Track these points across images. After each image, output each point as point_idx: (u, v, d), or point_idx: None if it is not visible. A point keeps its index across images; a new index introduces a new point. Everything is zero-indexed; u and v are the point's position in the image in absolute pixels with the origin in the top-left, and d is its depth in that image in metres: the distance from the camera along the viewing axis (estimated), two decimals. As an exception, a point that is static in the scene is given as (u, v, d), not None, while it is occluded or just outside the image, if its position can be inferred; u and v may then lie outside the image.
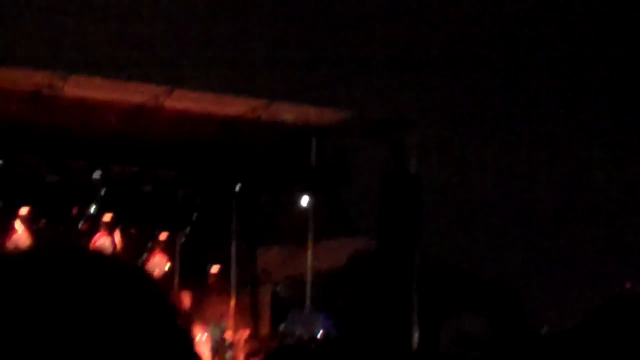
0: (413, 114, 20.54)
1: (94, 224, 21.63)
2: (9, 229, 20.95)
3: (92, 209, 21.39)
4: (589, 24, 26.81)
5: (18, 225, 21.01)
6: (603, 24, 26.83)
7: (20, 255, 1.44)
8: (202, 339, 21.63)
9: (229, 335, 21.71)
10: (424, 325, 18.75)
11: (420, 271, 19.02)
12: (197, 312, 21.89)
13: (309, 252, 21.18)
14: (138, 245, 22.39)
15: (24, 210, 20.74)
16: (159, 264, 22.24)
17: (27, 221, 21.10)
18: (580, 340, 3.37)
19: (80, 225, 21.75)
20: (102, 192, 21.11)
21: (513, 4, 27.07)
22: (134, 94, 19.41)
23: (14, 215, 20.94)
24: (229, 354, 21.33)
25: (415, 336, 18.60)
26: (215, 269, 22.50)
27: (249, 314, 22.66)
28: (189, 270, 22.48)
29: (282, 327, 21.22)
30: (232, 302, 22.39)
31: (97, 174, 20.81)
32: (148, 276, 1.47)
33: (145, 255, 22.28)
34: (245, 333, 22.03)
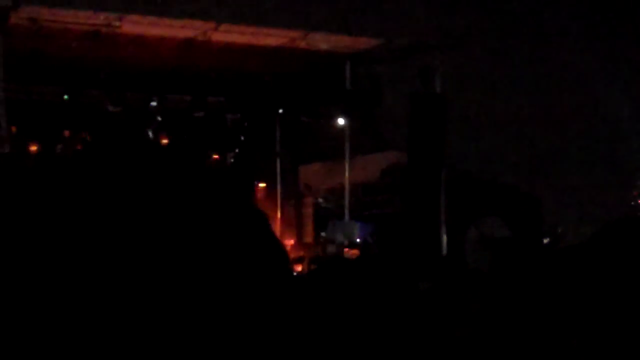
0: (438, 40, 20.41)
1: (153, 148, 21.86)
2: (77, 155, 21.23)
3: (150, 134, 21.56)
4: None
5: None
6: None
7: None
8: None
9: (277, 243, 21.98)
10: (451, 230, 18.85)
11: (446, 182, 19.08)
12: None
13: (346, 167, 21.27)
14: (192, 166, 22.61)
15: (89, 138, 20.95)
16: (212, 182, 22.51)
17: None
18: (586, 256, 3.47)
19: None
20: (159, 119, 21.25)
21: None
22: (184, 29, 19.41)
23: (81, 142, 21.17)
24: (277, 261, 21.59)
25: (444, 239, 18.72)
26: (262, 185, 22.69)
27: (294, 224, 22.84)
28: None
29: (323, 234, 21.38)
30: (278, 214, 22.58)
31: (153, 103, 20.95)
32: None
33: (199, 174, 22.53)
34: (291, 241, 22.24)
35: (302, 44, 20.22)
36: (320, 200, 22.42)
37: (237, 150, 22.70)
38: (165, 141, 21.56)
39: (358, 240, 20.27)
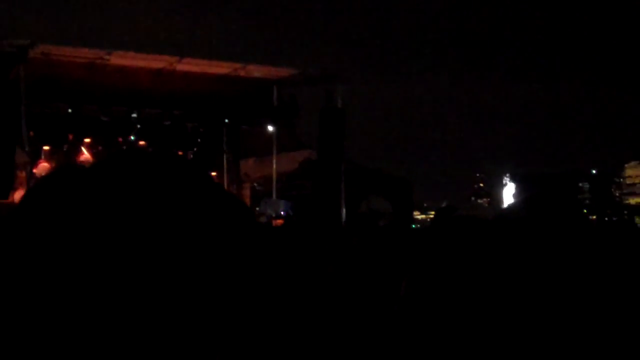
0: (338, 70, 20.56)
1: (133, 148, 21.73)
2: (78, 153, 21.04)
3: (132, 138, 21.45)
4: None
5: (84, 150, 21.09)
6: None
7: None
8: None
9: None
10: (348, 205, 19.00)
11: (345, 171, 19.24)
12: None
13: (274, 161, 21.36)
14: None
15: (87, 140, 20.81)
16: (177, 172, 22.43)
17: (89, 147, 21.17)
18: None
19: (123, 148, 21.80)
20: (138, 126, 21.16)
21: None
22: (156, 61, 19.41)
23: (81, 143, 21.01)
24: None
25: (343, 212, 18.87)
26: (213, 173, 22.68)
27: (236, 202, 22.88)
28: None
29: (257, 210, 21.44)
30: (225, 195, 22.58)
31: (134, 114, 20.85)
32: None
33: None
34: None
35: (242, 73, 20.30)
36: (255, 184, 22.48)
37: (195, 149, 22.69)
38: (142, 142, 21.51)
39: (282, 213, 20.36)
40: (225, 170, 22.74)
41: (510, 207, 2.48)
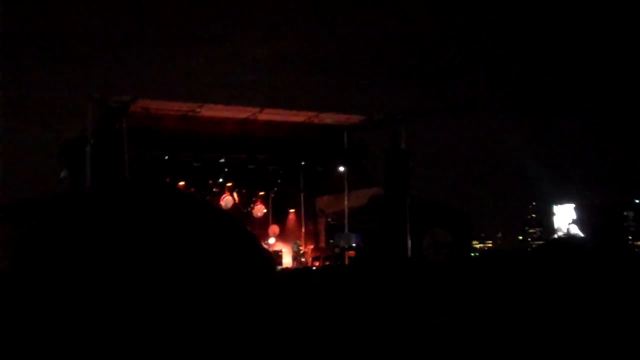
0: (402, 115, 20.49)
1: (222, 189, 21.93)
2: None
3: (220, 180, 21.66)
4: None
5: (179, 191, 21.35)
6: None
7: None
8: (286, 251, 21.85)
9: (302, 247, 21.97)
10: (413, 237, 18.82)
11: (409, 205, 19.09)
12: (283, 236, 22.08)
13: (346, 197, 21.32)
14: (247, 200, 22.66)
15: (181, 183, 21.07)
16: (260, 210, 22.52)
17: (184, 189, 21.40)
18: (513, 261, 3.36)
19: (213, 190, 22.03)
20: (225, 170, 21.36)
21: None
22: (240, 112, 19.62)
23: (176, 186, 21.28)
24: (303, 259, 21.59)
25: (409, 243, 18.69)
26: (292, 210, 22.78)
27: (312, 235, 22.87)
28: (277, 212, 22.74)
29: (331, 242, 21.38)
30: (303, 229, 22.61)
31: (222, 160, 21.05)
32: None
33: (251, 205, 22.57)
34: (311, 246, 22.24)
35: (316, 120, 20.37)
36: (329, 219, 22.42)
37: (275, 189, 22.81)
38: (229, 184, 21.72)
39: (354, 244, 20.25)
40: (302, 207, 22.81)
41: (584, 238, 2.39)
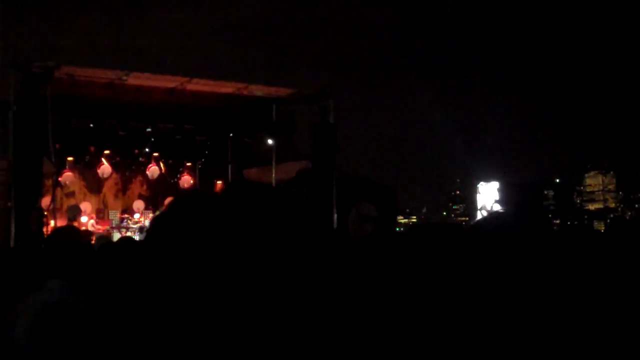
0: (331, 89, 20.60)
1: (148, 159, 21.73)
2: (99, 164, 21.03)
3: (146, 149, 21.44)
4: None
5: (104, 160, 21.07)
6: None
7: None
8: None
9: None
10: (339, 210, 19.00)
11: (336, 180, 19.26)
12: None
13: (273, 170, 21.38)
14: (174, 170, 22.54)
15: (107, 152, 20.79)
16: (187, 181, 22.44)
17: (109, 158, 21.17)
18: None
19: (139, 159, 21.81)
20: (152, 139, 21.15)
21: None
22: (168, 82, 19.38)
23: (101, 155, 21.00)
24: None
25: (335, 217, 18.88)
26: (219, 182, 22.70)
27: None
28: (204, 184, 22.64)
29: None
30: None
31: (148, 129, 20.85)
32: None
33: (178, 175, 22.45)
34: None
35: (245, 92, 20.26)
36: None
37: (203, 160, 22.71)
38: (155, 154, 21.52)
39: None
40: (230, 179, 22.76)
41: (505, 214, 2.35)
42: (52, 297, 3.74)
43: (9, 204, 16.30)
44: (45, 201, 17.87)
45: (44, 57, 17.47)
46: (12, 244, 15.91)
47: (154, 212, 21.86)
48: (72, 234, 4.29)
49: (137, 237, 18.19)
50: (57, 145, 18.03)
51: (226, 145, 22.52)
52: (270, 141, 21.62)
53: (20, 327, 3.67)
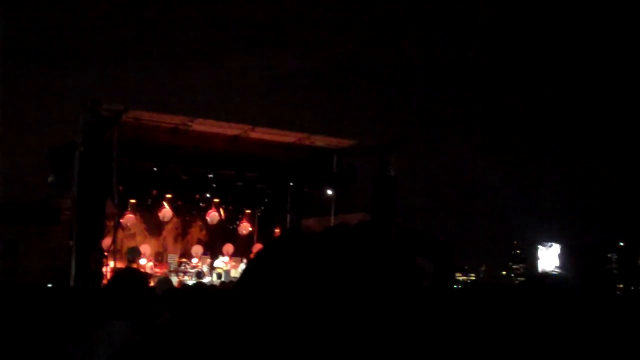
0: (391, 142, 20.57)
1: (209, 204, 21.92)
2: (160, 207, 21.28)
3: (207, 195, 21.65)
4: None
5: (165, 204, 21.32)
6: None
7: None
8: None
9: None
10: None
11: (395, 232, 19.10)
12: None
13: (332, 221, 21.30)
14: (233, 217, 22.68)
15: (168, 196, 21.04)
16: (245, 228, 22.53)
17: (170, 202, 21.41)
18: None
19: (200, 204, 22.02)
20: (213, 185, 21.34)
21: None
22: (232, 129, 19.61)
23: (163, 198, 21.27)
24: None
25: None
26: (277, 230, 22.73)
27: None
28: (263, 231, 22.69)
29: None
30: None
31: (210, 175, 21.05)
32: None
33: (237, 222, 22.57)
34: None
35: (307, 142, 20.40)
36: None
37: (262, 208, 22.83)
38: (216, 200, 21.69)
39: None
40: (288, 227, 22.79)
41: (568, 278, 2.31)
42: (115, 339, 3.74)
43: (71, 243, 16.61)
44: (106, 242, 18.15)
45: (112, 101, 17.83)
46: (72, 282, 16.16)
47: (211, 257, 21.98)
48: (135, 276, 4.31)
49: (191, 282, 18.27)
50: (121, 187, 18.35)
51: (286, 194, 22.58)
52: (329, 192, 21.64)
53: None
